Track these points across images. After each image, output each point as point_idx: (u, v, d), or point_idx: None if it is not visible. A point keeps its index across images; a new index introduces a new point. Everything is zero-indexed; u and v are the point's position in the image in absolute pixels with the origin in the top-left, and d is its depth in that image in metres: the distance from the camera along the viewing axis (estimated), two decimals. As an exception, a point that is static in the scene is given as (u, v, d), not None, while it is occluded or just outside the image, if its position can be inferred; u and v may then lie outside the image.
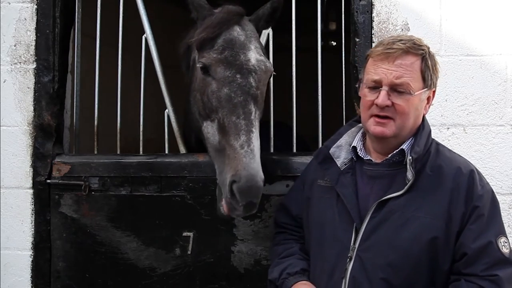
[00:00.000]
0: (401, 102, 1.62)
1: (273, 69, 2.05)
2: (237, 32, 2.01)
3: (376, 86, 1.65)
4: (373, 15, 2.35)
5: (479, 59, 2.30)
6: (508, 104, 2.27)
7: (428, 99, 1.72)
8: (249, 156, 1.73)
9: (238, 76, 1.90)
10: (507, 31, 2.29)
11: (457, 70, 2.30)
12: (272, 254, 1.96)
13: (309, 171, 1.95)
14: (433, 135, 2.20)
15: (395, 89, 1.62)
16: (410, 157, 1.61)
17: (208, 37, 1.97)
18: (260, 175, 1.74)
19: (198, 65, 1.99)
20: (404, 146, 1.67)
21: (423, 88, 1.65)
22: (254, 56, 1.97)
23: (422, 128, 1.70)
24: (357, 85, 1.79)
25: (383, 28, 2.34)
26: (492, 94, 2.28)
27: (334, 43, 6.08)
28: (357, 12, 2.36)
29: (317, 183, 1.82)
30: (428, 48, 1.70)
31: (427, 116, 2.25)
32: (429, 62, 1.67)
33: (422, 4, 2.33)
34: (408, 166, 1.61)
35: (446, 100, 2.30)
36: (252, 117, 1.84)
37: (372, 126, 1.66)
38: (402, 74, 1.62)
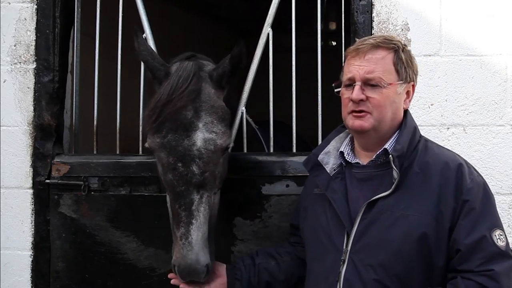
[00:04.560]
0: (375, 95, 1.63)
1: (228, 142, 1.87)
2: (184, 107, 1.80)
3: (350, 83, 1.67)
4: (373, 15, 2.35)
5: (479, 59, 2.29)
6: (508, 104, 2.27)
7: (408, 93, 1.72)
8: (186, 248, 1.73)
9: (179, 164, 1.76)
10: (507, 31, 2.29)
11: (457, 70, 2.30)
12: None
13: (308, 181, 1.96)
14: (433, 135, 2.23)
15: (368, 83, 1.64)
16: (391, 156, 1.61)
17: (152, 127, 1.80)
18: (200, 262, 1.74)
19: (145, 145, 1.88)
20: (387, 145, 1.67)
21: (397, 81, 1.66)
22: (201, 136, 1.78)
23: (404, 125, 1.69)
24: (333, 85, 1.79)
25: (383, 28, 2.34)
26: (492, 94, 2.28)
27: (334, 43, 6.08)
28: (357, 12, 2.35)
29: (313, 192, 1.83)
30: (403, 43, 1.72)
31: (427, 116, 2.29)
32: (402, 56, 1.68)
33: (422, 4, 2.33)
34: (391, 164, 1.60)
35: (446, 100, 2.30)
36: (194, 208, 1.76)
37: (351, 121, 1.66)
38: (373, 68, 1.64)
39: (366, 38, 1.74)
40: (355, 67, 1.66)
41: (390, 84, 1.64)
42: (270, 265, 1.93)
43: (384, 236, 1.58)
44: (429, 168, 1.62)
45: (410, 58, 1.71)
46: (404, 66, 1.68)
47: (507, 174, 2.26)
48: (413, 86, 1.74)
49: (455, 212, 1.56)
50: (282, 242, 2.09)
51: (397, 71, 1.67)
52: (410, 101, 1.74)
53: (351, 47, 1.73)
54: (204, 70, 1.92)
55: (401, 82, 1.67)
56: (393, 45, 1.68)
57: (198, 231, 1.75)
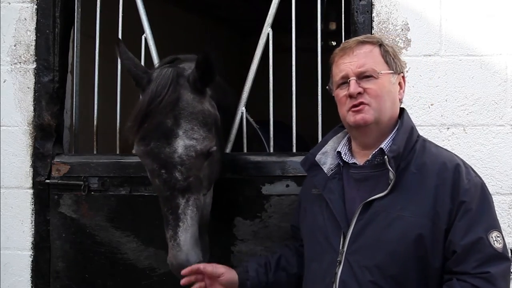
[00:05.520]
0: (372, 85, 1.64)
1: (210, 146, 1.85)
2: (163, 115, 1.82)
3: (344, 82, 1.68)
4: (373, 15, 2.35)
5: (479, 59, 2.29)
6: (508, 104, 2.27)
7: (400, 85, 1.74)
8: (175, 249, 1.78)
9: (163, 171, 1.80)
10: (507, 31, 2.29)
11: (457, 70, 2.30)
12: None
13: (306, 182, 1.95)
14: (433, 135, 2.23)
15: (362, 76, 1.65)
16: (386, 157, 1.60)
17: (135, 137, 1.84)
18: (190, 261, 1.78)
19: (133, 151, 1.91)
20: (383, 145, 1.66)
21: (389, 70, 1.68)
22: (181, 144, 1.79)
23: (401, 125, 1.69)
24: (327, 87, 1.80)
25: (383, 28, 2.34)
26: (492, 94, 2.28)
27: (334, 43, 6.08)
28: (357, 12, 2.36)
29: (312, 192, 1.82)
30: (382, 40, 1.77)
31: (427, 116, 2.29)
32: (388, 48, 1.71)
33: (422, 4, 2.33)
34: (387, 165, 1.60)
35: (446, 100, 2.30)
36: (180, 211, 1.79)
37: (352, 117, 1.65)
38: (364, 61, 1.66)
39: (348, 39, 1.78)
40: (346, 64, 1.68)
41: (383, 73, 1.66)
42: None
43: (380, 237, 1.57)
44: (426, 169, 1.61)
45: (394, 50, 1.74)
46: (392, 57, 1.70)
47: (507, 174, 2.25)
48: (403, 77, 1.76)
49: (452, 213, 1.55)
50: (286, 248, 2.01)
51: (387, 62, 1.69)
52: (403, 92, 1.76)
53: (337, 49, 1.75)
54: (184, 76, 1.91)
55: (392, 72, 1.69)
56: (377, 40, 1.72)
57: (185, 233, 1.79)
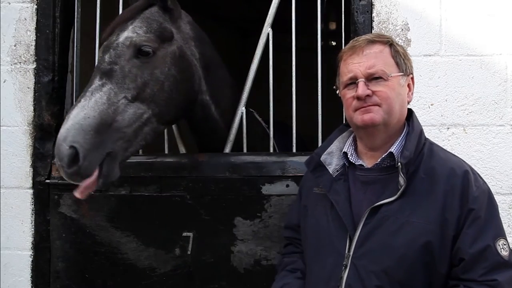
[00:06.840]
0: (381, 88, 1.61)
1: (145, 43, 1.91)
2: (128, 16, 2.02)
3: (353, 82, 1.64)
4: (373, 15, 2.35)
5: (479, 59, 2.29)
6: (508, 104, 2.27)
7: (409, 86, 1.70)
8: (64, 123, 1.72)
9: (100, 55, 1.94)
10: (507, 31, 2.29)
11: (457, 70, 2.30)
12: (279, 264, 1.96)
13: (306, 179, 1.93)
14: (433, 135, 2.23)
15: (371, 78, 1.61)
16: (400, 163, 1.58)
17: (104, 39, 2.00)
18: (67, 139, 1.67)
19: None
20: (392, 149, 1.64)
21: (398, 73, 1.65)
22: (125, 35, 1.93)
23: (412, 129, 1.66)
24: (334, 87, 1.78)
25: (383, 28, 2.34)
26: (492, 94, 2.28)
27: (334, 43, 6.08)
28: (357, 12, 2.36)
29: (313, 191, 1.79)
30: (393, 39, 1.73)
31: (427, 116, 2.29)
32: (398, 48, 1.68)
33: (422, 4, 2.33)
34: (399, 171, 1.58)
35: (446, 100, 2.30)
36: (90, 89, 1.80)
37: (360, 117, 1.62)
38: (374, 62, 1.62)
39: (358, 37, 1.74)
40: (354, 65, 1.64)
41: (393, 76, 1.63)
42: None
43: (388, 242, 1.55)
44: (435, 174, 1.59)
45: (404, 51, 1.71)
46: (402, 58, 1.67)
47: (507, 174, 2.25)
48: (412, 79, 1.72)
49: (460, 220, 1.54)
50: (291, 257, 1.94)
51: (397, 64, 1.65)
52: (412, 94, 1.73)
53: (345, 47, 1.71)
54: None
55: (402, 74, 1.66)
56: (387, 40, 1.69)
57: (81, 110, 1.73)
